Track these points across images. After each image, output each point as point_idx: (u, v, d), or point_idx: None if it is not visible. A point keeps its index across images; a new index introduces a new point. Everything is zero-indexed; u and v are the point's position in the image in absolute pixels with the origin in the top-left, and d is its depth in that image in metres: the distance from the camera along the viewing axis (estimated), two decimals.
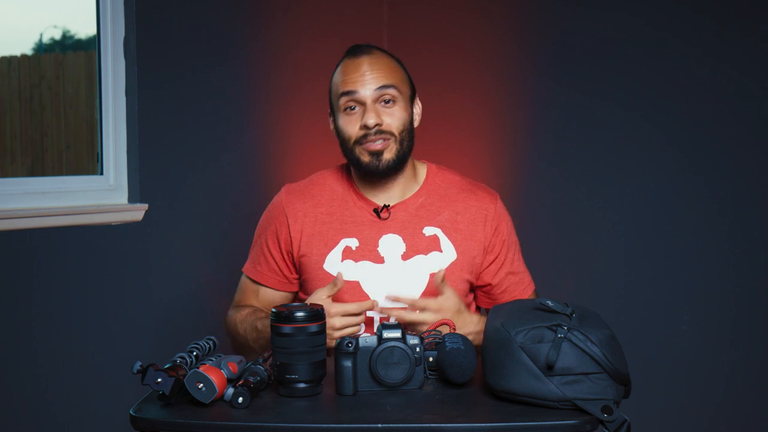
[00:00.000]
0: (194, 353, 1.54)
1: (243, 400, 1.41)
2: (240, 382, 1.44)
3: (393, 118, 1.89)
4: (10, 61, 2.96)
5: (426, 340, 1.55)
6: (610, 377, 1.37)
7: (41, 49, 3.09)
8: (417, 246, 1.90)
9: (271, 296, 2.02)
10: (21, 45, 3.00)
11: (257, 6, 3.03)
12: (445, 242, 1.91)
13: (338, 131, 1.93)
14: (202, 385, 1.41)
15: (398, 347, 1.51)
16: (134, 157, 2.72)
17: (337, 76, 1.94)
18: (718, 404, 2.75)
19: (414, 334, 1.55)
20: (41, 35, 3.07)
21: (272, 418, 1.39)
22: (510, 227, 2.03)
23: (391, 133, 1.88)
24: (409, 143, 1.92)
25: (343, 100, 1.90)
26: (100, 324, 2.64)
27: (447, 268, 1.90)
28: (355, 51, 1.94)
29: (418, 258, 1.90)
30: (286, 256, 1.98)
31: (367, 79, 1.88)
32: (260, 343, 1.87)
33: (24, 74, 2.97)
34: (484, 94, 3.17)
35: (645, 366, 2.69)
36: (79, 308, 2.60)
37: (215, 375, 1.42)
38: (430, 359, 1.52)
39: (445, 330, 1.70)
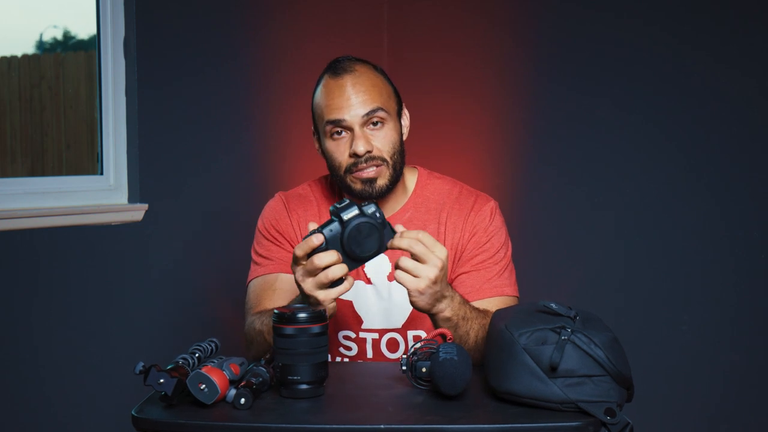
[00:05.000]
0: (196, 355, 1.54)
1: (245, 401, 1.40)
2: (242, 384, 1.44)
3: (383, 142, 1.79)
4: (10, 61, 2.96)
5: (421, 350, 1.53)
6: (613, 380, 1.37)
7: (41, 49, 3.08)
8: None
9: (291, 282, 1.82)
10: (21, 45, 2.99)
11: (257, 6, 3.03)
12: None
13: (326, 155, 1.85)
14: (204, 386, 1.40)
15: (363, 222, 1.54)
16: (134, 157, 2.72)
17: (320, 99, 1.82)
18: (718, 404, 2.75)
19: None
20: (41, 35, 3.07)
21: (274, 419, 1.39)
22: (496, 241, 1.86)
23: (383, 159, 1.79)
24: (401, 163, 1.84)
25: (329, 127, 1.79)
26: (101, 324, 2.64)
27: None
28: (336, 70, 1.81)
29: None
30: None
31: (353, 104, 1.77)
32: None
33: (24, 74, 2.97)
34: (484, 94, 3.18)
35: (645, 366, 2.68)
36: (79, 308, 2.60)
37: (217, 376, 1.41)
38: (423, 369, 1.50)
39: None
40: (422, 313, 1.65)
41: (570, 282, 2.93)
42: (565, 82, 2.97)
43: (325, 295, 1.54)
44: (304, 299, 1.58)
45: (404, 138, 1.87)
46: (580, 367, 1.36)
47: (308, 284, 1.54)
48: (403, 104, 1.90)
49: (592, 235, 2.94)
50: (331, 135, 1.80)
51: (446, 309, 1.63)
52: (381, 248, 1.57)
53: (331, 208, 1.57)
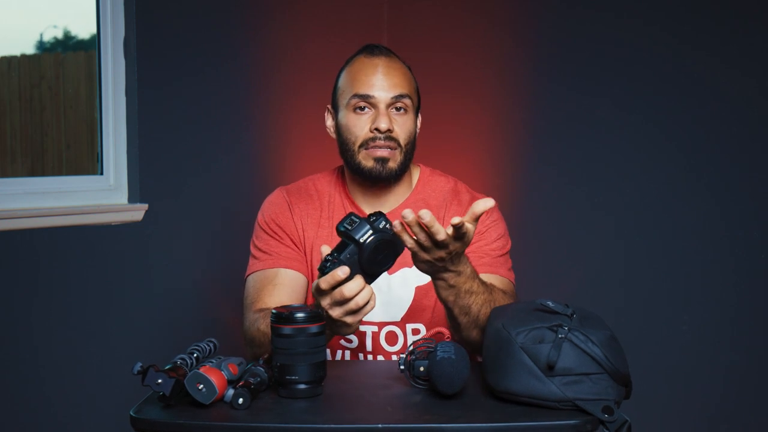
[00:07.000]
0: (195, 355, 1.54)
1: (243, 401, 1.40)
2: (240, 384, 1.44)
3: (403, 128, 1.84)
4: (10, 61, 2.96)
5: (419, 349, 1.53)
6: (611, 378, 1.37)
7: (41, 49, 3.09)
8: (402, 258, 1.76)
9: (291, 278, 1.86)
10: (21, 45, 3.00)
11: (257, 6, 3.03)
12: None
13: (341, 130, 1.87)
14: (202, 386, 1.40)
15: (380, 240, 1.52)
16: (134, 157, 2.72)
17: (350, 74, 1.87)
18: (718, 404, 2.75)
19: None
20: (41, 35, 3.07)
21: (272, 419, 1.38)
22: (494, 231, 1.89)
23: (399, 143, 1.84)
24: (411, 154, 1.88)
25: (354, 100, 1.83)
26: (100, 324, 2.64)
27: None
28: (372, 50, 1.88)
29: (404, 271, 1.86)
30: (297, 243, 1.90)
31: (384, 84, 1.83)
32: None
33: (24, 74, 2.97)
34: (484, 94, 3.18)
35: (645, 366, 2.68)
36: (79, 308, 2.60)
37: (215, 376, 1.41)
38: (421, 368, 1.50)
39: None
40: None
41: (570, 282, 2.93)
42: (565, 82, 2.97)
43: (353, 319, 1.54)
44: (331, 324, 1.55)
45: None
46: (578, 365, 1.36)
47: (337, 312, 1.52)
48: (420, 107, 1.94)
49: (592, 235, 2.94)
50: (355, 108, 1.84)
51: (450, 279, 1.61)
52: (396, 257, 1.56)
53: (339, 227, 1.54)
